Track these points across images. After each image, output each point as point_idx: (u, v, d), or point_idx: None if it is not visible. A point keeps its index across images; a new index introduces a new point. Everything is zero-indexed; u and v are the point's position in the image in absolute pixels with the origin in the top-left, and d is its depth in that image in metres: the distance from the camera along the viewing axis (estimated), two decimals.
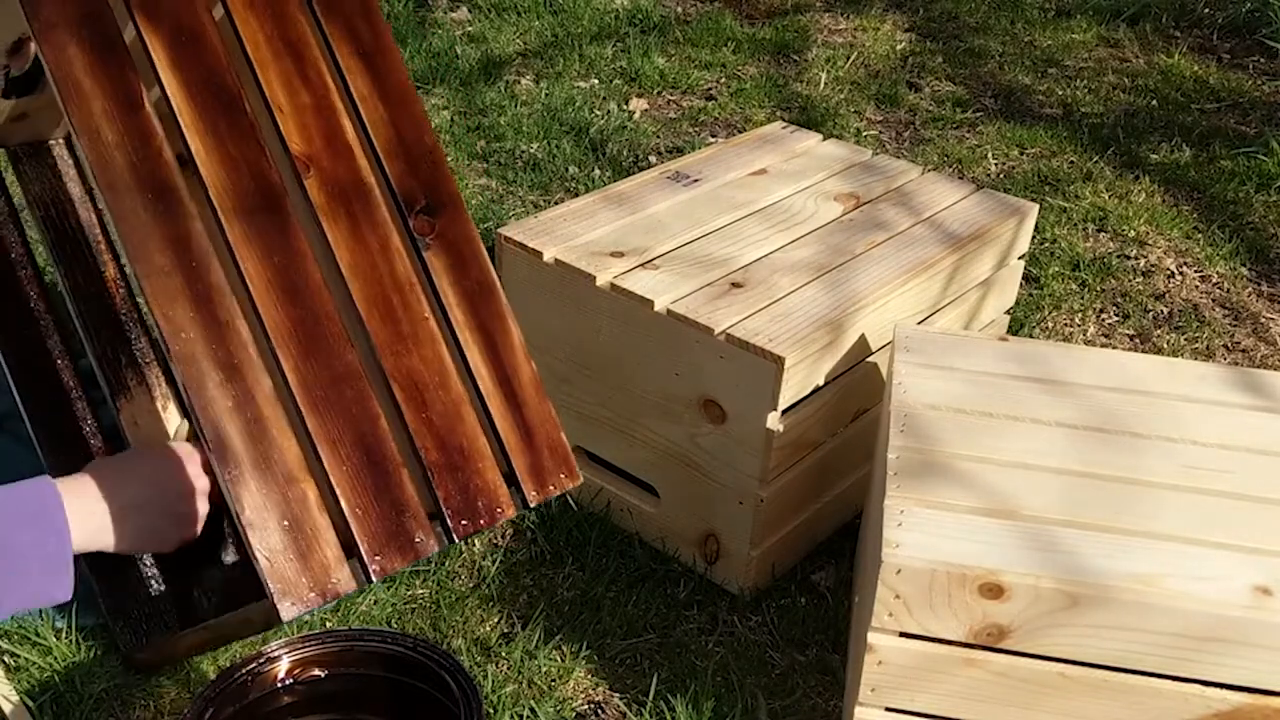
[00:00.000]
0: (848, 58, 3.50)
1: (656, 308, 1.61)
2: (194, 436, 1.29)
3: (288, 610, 1.06)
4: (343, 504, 1.10)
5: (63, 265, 1.63)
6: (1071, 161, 2.96)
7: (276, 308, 1.13)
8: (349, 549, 1.10)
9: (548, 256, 1.70)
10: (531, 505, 1.20)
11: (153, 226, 1.09)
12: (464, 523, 1.15)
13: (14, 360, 1.62)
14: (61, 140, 1.70)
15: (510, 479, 1.20)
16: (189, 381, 1.07)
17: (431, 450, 1.16)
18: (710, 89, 3.29)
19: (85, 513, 1.14)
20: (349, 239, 1.19)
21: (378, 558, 1.10)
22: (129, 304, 1.65)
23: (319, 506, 1.10)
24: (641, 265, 1.69)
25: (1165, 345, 2.31)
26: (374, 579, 1.10)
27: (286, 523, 1.08)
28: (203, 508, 1.23)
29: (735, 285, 1.66)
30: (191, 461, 1.23)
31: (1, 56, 1.32)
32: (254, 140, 1.16)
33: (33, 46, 1.37)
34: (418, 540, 1.12)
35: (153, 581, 1.57)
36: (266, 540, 1.06)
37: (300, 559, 1.07)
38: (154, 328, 1.09)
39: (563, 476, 1.23)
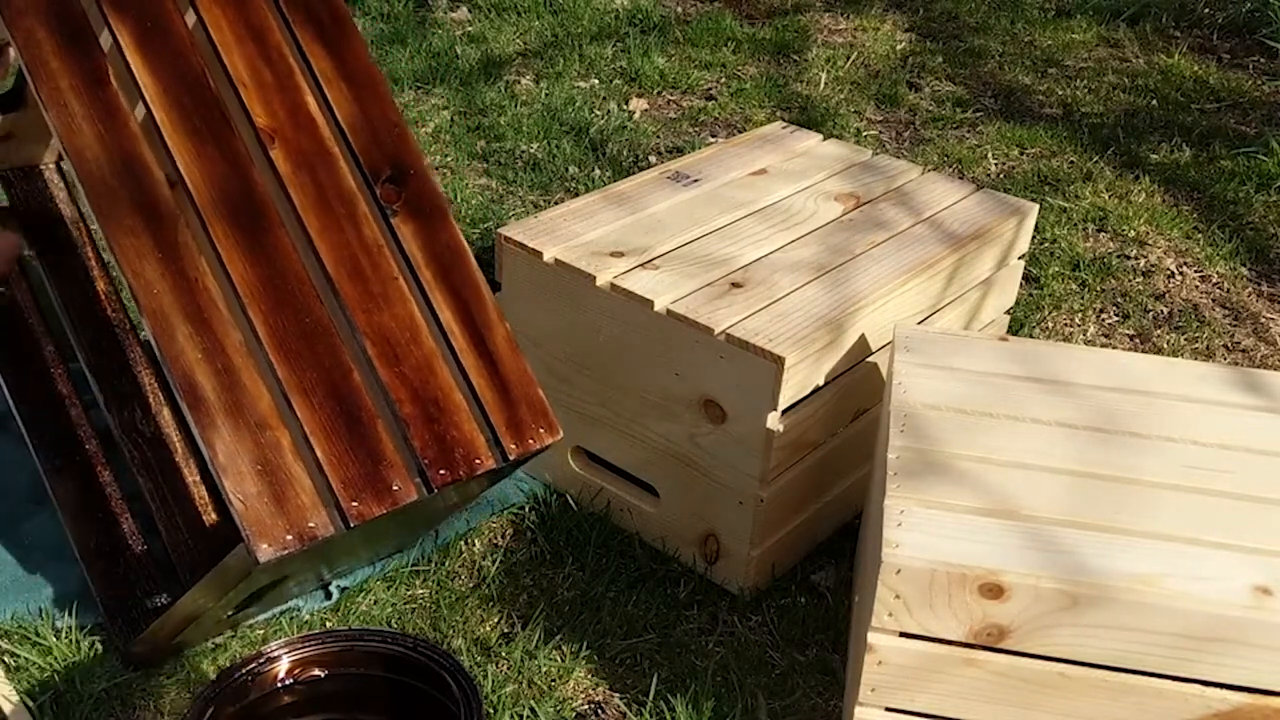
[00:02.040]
0: (848, 58, 3.50)
1: (656, 308, 1.61)
2: None
3: (264, 552, 1.06)
4: (317, 451, 1.12)
5: (55, 281, 1.65)
6: (1071, 161, 2.96)
7: (245, 267, 1.16)
8: (325, 496, 1.11)
9: (548, 256, 1.70)
10: (511, 458, 1.21)
11: (121, 190, 1.13)
12: (441, 472, 1.16)
13: (9, 369, 1.63)
14: (51, 164, 1.72)
15: (490, 434, 1.21)
16: (159, 333, 1.10)
17: (406, 403, 1.18)
18: (710, 89, 3.29)
19: None
20: (316, 204, 1.22)
21: (354, 503, 1.11)
22: (120, 314, 1.67)
23: (293, 453, 1.11)
24: (641, 265, 1.69)
25: (1165, 345, 2.31)
26: (351, 523, 1.10)
27: (260, 467, 1.09)
28: None
29: (735, 285, 1.66)
30: None
31: None
32: (219, 114, 1.20)
33: (12, 53, 1.38)
34: (395, 487, 1.14)
35: (148, 581, 1.57)
36: (240, 485, 1.08)
37: (275, 503, 1.08)
38: (124, 285, 1.11)
39: (542, 431, 1.24)
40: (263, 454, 1.10)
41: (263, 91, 1.23)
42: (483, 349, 1.24)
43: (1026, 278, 2.44)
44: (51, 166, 1.73)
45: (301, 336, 1.16)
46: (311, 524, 1.09)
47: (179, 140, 1.17)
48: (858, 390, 1.71)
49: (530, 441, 1.22)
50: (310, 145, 1.24)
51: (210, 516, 1.58)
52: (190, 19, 1.24)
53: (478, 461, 1.19)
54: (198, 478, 1.60)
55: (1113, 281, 2.49)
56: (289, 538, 1.08)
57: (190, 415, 1.09)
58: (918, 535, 1.26)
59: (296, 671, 1.27)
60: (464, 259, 1.27)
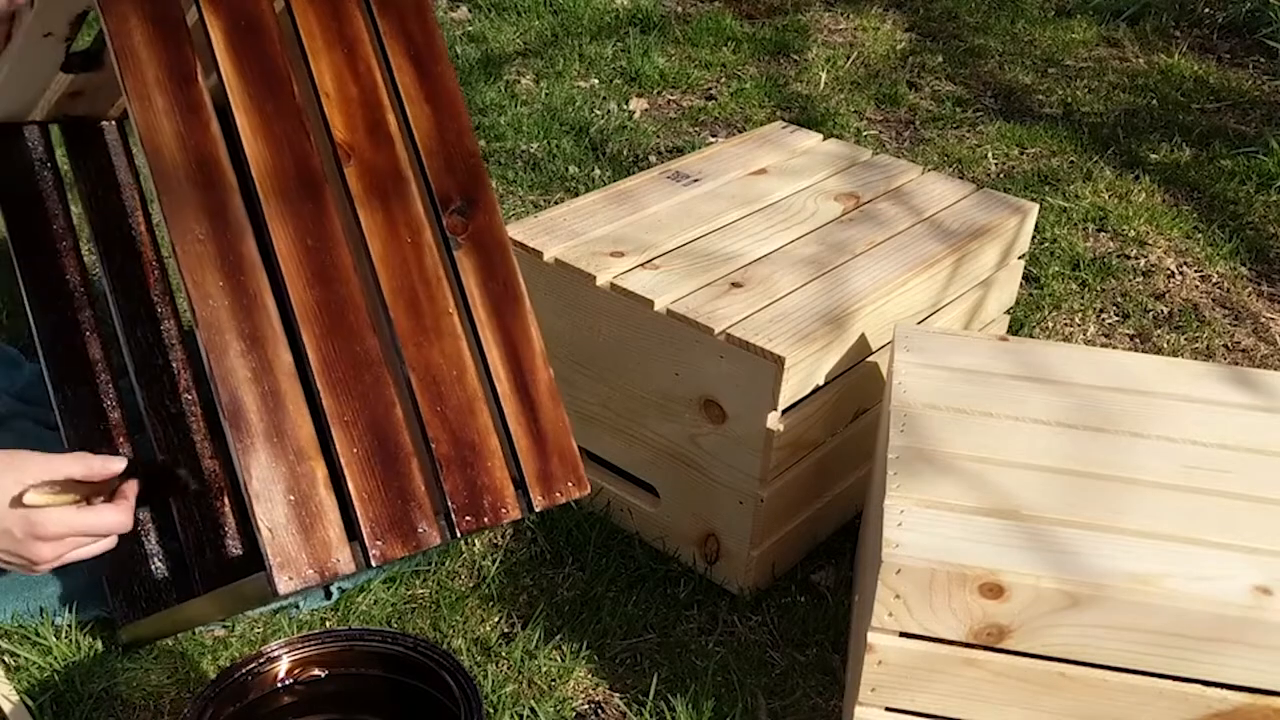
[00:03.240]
0: (848, 57, 3.50)
1: (656, 308, 1.61)
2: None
3: (284, 584, 1.06)
4: (350, 486, 1.11)
5: (102, 243, 1.66)
6: (1071, 161, 2.96)
7: (304, 287, 1.15)
8: (352, 531, 1.10)
9: (548, 256, 1.70)
10: (536, 510, 1.20)
11: (192, 194, 1.12)
12: (468, 518, 1.16)
13: (45, 328, 1.64)
14: (114, 123, 1.71)
15: (518, 482, 1.21)
16: (211, 348, 1.09)
17: (443, 443, 1.17)
18: (710, 89, 3.29)
19: None
20: (382, 229, 1.21)
21: (379, 543, 1.11)
22: (162, 286, 1.67)
23: (326, 486, 1.10)
24: (641, 265, 1.69)
25: (1165, 345, 2.31)
26: (374, 564, 1.10)
27: (293, 498, 1.09)
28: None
29: (735, 285, 1.66)
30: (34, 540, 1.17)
31: (64, 29, 1.33)
32: (299, 124, 1.19)
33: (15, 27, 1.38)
34: (420, 530, 1.13)
35: (155, 560, 1.57)
36: (270, 513, 1.07)
37: (302, 534, 1.08)
38: (182, 292, 1.11)
39: (570, 485, 1.23)
40: (297, 484, 1.09)
41: (345, 105, 1.22)
42: (524, 395, 1.23)
43: (1026, 278, 2.44)
44: (113, 126, 1.72)
45: (350, 365, 1.15)
46: (335, 560, 1.09)
47: (257, 148, 1.16)
48: (858, 390, 1.71)
49: (557, 494, 1.22)
50: (385, 166, 1.22)
51: (224, 503, 1.59)
52: (279, 5, 1.23)
53: (503, 510, 1.18)
54: (217, 465, 1.61)
55: (1113, 281, 2.49)
56: (310, 572, 1.07)
57: (231, 436, 1.08)
58: (918, 535, 1.26)
59: (296, 671, 1.27)
60: (519, 301, 1.26)
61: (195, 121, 1.14)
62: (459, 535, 1.16)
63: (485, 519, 1.17)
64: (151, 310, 1.66)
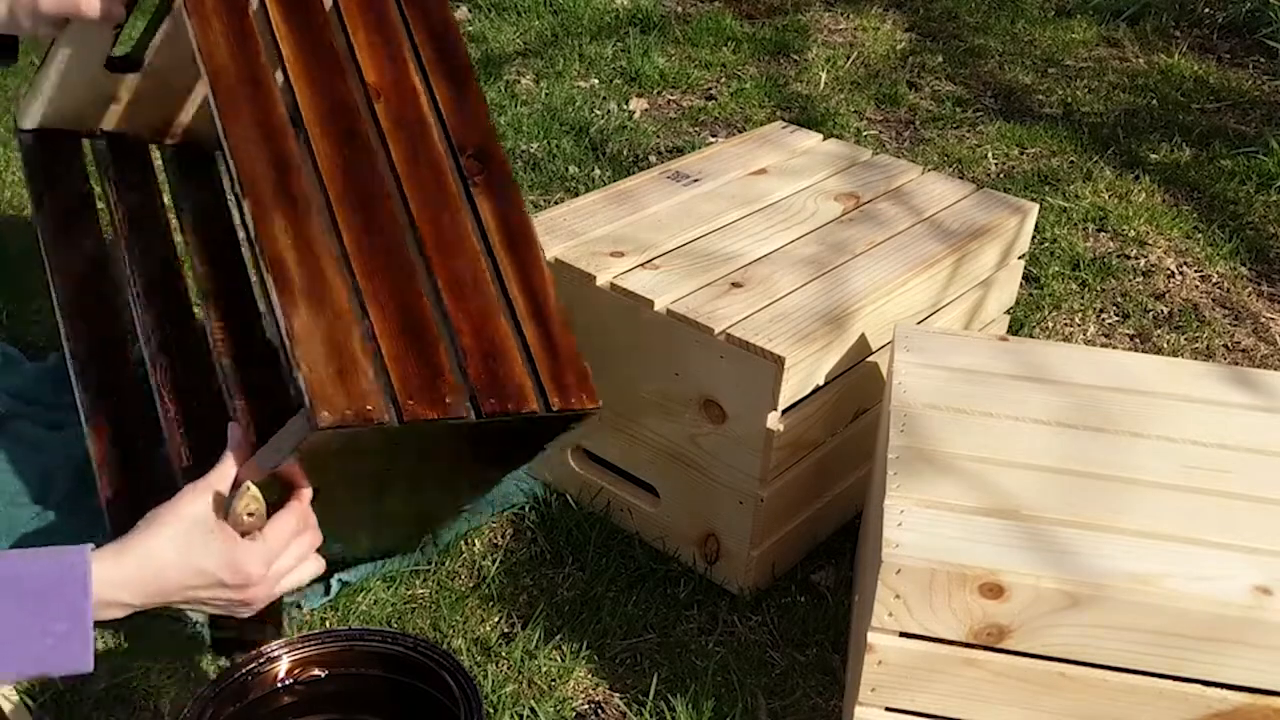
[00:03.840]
0: (848, 57, 3.50)
1: (656, 308, 1.61)
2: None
3: (324, 418, 1.09)
4: (383, 349, 1.18)
5: (134, 254, 1.72)
6: (1071, 161, 2.96)
7: (343, 187, 1.25)
8: (385, 390, 1.16)
9: (548, 256, 1.70)
10: (554, 409, 1.25)
11: (243, 101, 1.24)
12: (491, 400, 1.21)
13: (66, 303, 1.68)
14: (153, 146, 1.82)
15: (537, 386, 1.26)
16: (257, 215, 1.18)
17: (466, 335, 1.24)
18: (710, 89, 3.29)
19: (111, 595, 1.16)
20: (408, 158, 1.32)
21: (410, 401, 1.16)
22: (186, 291, 1.70)
23: (361, 345, 1.17)
24: (641, 265, 1.69)
25: (1165, 345, 2.32)
26: (405, 419, 1.14)
27: (330, 347, 1.15)
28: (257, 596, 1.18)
29: (735, 285, 1.66)
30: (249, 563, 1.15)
31: (119, 6, 1.39)
32: (339, 67, 1.32)
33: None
34: (448, 400, 1.18)
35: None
36: (310, 353, 1.13)
37: (339, 379, 1.13)
38: (232, 173, 1.21)
39: (584, 397, 1.29)
40: (335, 336, 1.15)
41: (376, 57, 1.35)
42: (540, 318, 1.29)
43: (1026, 278, 2.44)
44: (153, 149, 1.80)
45: (385, 255, 1.23)
46: (370, 407, 1.13)
47: (301, 84, 1.28)
48: (858, 390, 1.71)
49: (573, 401, 1.27)
50: (410, 111, 1.34)
51: None
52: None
53: (524, 401, 1.24)
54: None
55: (1113, 281, 2.49)
56: (348, 412, 1.12)
57: (275, 292, 1.15)
58: (918, 535, 1.26)
59: (296, 671, 1.27)
60: (533, 241, 1.33)
61: (246, 47, 1.27)
62: (485, 416, 1.19)
63: (509, 404, 1.22)
64: (175, 313, 1.69)
